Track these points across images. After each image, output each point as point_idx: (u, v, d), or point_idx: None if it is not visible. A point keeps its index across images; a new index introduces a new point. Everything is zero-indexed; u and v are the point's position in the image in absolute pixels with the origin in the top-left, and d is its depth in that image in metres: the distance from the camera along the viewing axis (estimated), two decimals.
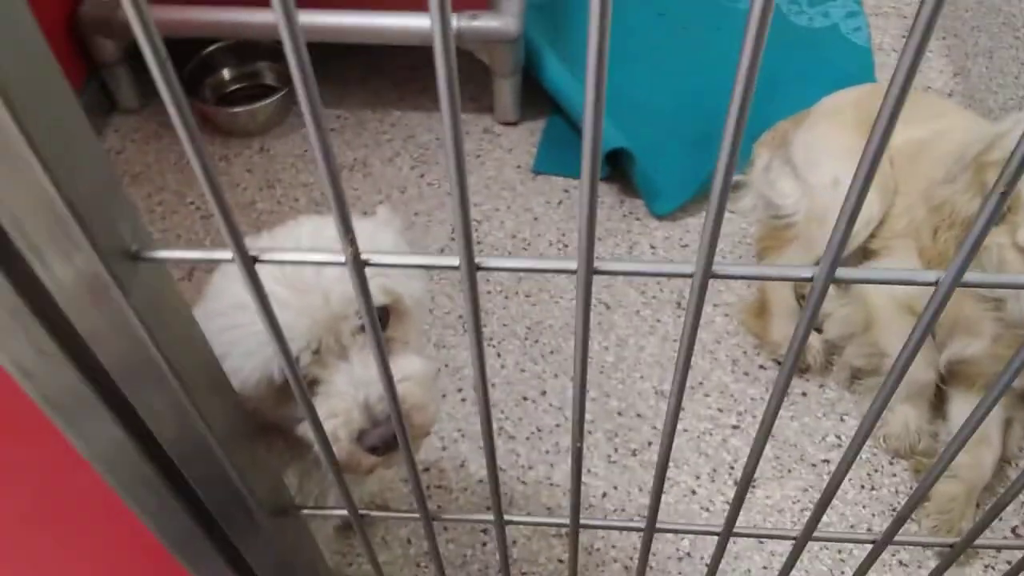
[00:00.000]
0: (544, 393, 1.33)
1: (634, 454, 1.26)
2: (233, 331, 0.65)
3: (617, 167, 1.60)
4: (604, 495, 1.22)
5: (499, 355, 1.38)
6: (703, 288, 0.46)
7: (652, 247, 1.53)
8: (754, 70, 0.36)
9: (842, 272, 0.44)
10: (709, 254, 0.44)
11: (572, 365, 1.37)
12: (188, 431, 0.56)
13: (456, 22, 1.53)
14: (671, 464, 1.25)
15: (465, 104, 1.75)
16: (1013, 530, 1.17)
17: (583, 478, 1.23)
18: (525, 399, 1.32)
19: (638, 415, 1.30)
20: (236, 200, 1.59)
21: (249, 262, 0.46)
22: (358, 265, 0.46)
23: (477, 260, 0.47)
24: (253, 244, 0.47)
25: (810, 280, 0.45)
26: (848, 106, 1.39)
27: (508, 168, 1.65)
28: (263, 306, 0.49)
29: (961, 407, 1.24)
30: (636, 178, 1.57)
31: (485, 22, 1.53)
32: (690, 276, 0.45)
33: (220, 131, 1.69)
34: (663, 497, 1.20)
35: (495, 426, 1.29)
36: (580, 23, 1.85)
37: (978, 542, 0.65)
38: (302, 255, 0.48)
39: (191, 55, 1.69)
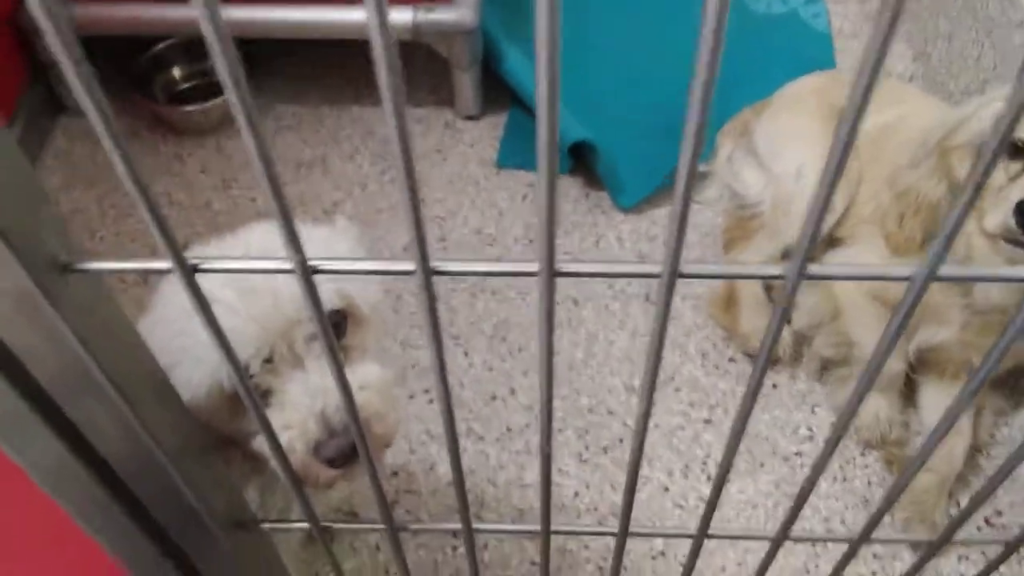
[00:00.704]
0: (513, 392, 1.31)
1: (605, 451, 1.24)
2: (180, 339, 0.62)
3: (581, 160, 1.58)
4: (576, 494, 1.20)
5: (466, 354, 1.35)
6: (670, 288, 0.44)
7: (619, 239, 1.51)
8: (715, 64, 0.34)
9: (814, 268, 0.43)
10: (676, 253, 0.42)
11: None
12: (134, 446, 0.54)
13: (412, 15, 1.50)
14: (643, 462, 1.23)
15: (425, 98, 1.72)
16: (986, 520, 1.17)
17: (554, 479, 1.21)
18: (494, 398, 1.30)
19: (609, 412, 1.28)
20: (192, 201, 1.55)
21: (189, 271, 0.43)
22: (306, 272, 0.43)
23: (434, 264, 0.44)
24: (200, 252, 0.44)
25: (781, 278, 0.43)
26: (809, 93, 1.38)
27: (471, 163, 1.63)
28: (205, 315, 0.46)
29: (932, 395, 1.24)
30: (600, 171, 1.55)
31: (441, 14, 1.50)
32: (657, 276, 0.43)
33: (173, 130, 1.64)
34: (636, 496, 1.19)
35: (463, 427, 1.27)
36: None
37: (954, 539, 0.65)
38: (247, 263, 0.46)
39: (141, 52, 1.64)
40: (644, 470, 1.22)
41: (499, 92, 1.68)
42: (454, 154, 1.64)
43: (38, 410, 0.50)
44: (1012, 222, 0.94)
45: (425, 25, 1.50)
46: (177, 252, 0.42)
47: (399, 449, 1.23)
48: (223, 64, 0.35)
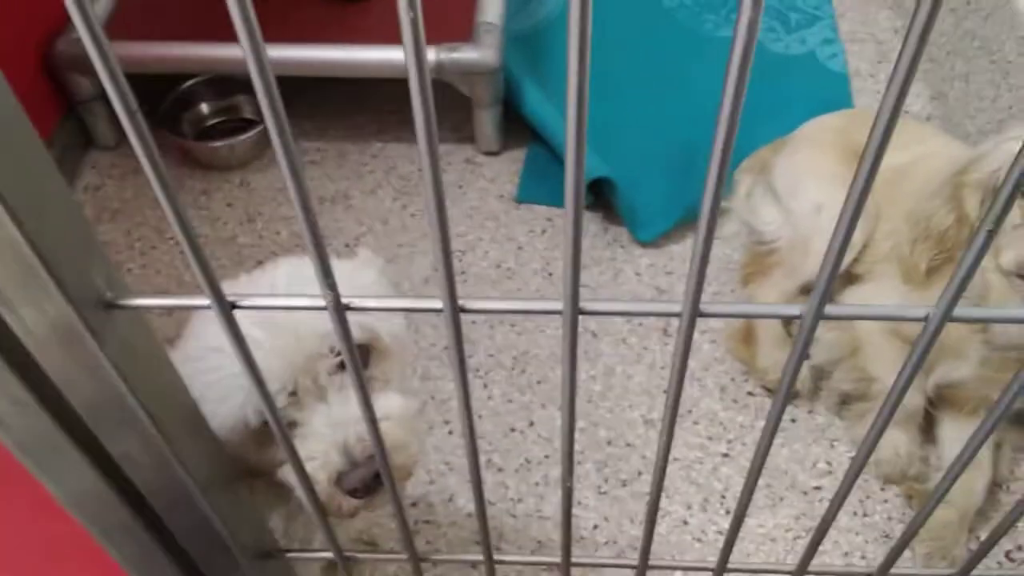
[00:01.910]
0: (532, 424, 1.31)
1: (624, 484, 1.25)
2: (208, 375, 0.64)
3: (600, 196, 1.60)
4: (595, 527, 1.20)
5: (485, 386, 1.36)
6: (691, 327, 0.46)
7: (637, 274, 1.52)
8: (738, 105, 0.36)
9: (831, 309, 0.44)
10: (696, 293, 0.43)
11: (560, 395, 1.36)
12: (167, 477, 0.55)
13: (436, 55, 1.53)
14: (662, 494, 1.23)
15: (446, 135, 1.75)
16: (1007, 554, 1.16)
17: (573, 511, 1.21)
18: (513, 430, 1.31)
19: (627, 444, 1.29)
20: (217, 235, 1.58)
21: (227, 308, 0.45)
22: (339, 310, 0.45)
23: (461, 302, 0.46)
24: (231, 289, 0.46)
25: (799, 318, 0.44)
26: (827, 132, 1.40)
27: (491, 198, 1.65)
28: (242, 352, 0.48)
29: (951, 431, 1.24)
30: (619, 206, 1.57)
31: (465, 54, 1.53)
32: (677, 315, 0.45)
33: (200, 165, 1.68)
34: (655, 528, 1.19)
35: (483, 458, 1.27)
36: (559, 54, 1.85)
37: (974, 573, 0.65)
38: (281, 300, 0.48)
39: (169, 90, 1.68)
40: (663, 503, 1.22)
41: (519, 128, 1.70)
42: (474, 189, 1.66)
43: (73, 439, 0.51)
44: None
45: (448, 64, 1.53)
46: (217, 289, 0.44)
47: (418, 480, 1.24)
48: (267, 108, 0.37)
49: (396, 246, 1.56)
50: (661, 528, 1.20)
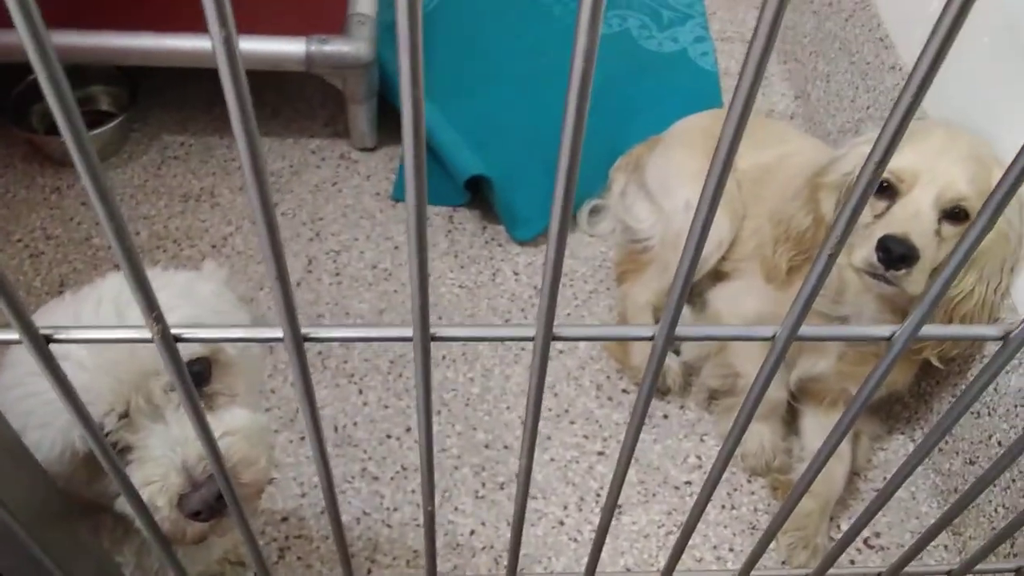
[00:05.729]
0: (409, 430, 1.29)
1: (502, 487, 1.24)
2: (28, 400, 0.59)
3: (478, 193, 1.59)
4: (472, 532, 1.19)
5: (361, 391, 1.33)
6: (545, 351, 0.45)
7: (515, 272, 1.52)
8: (582, 118, 0.35)
9: (681, 330, 0.44)
10: (548, 318, 0.42)
11: (438, 399, 1.34)
12: None
13: (306, 47, 1.48)
14: (538, 495, 1.24)
15: (320, 130, 1.70)
16: (865, 541, 1.21)
17: (450, 516, 1.20)
18: (389, 437, 1.28)
19: (505, 447, 1.28)
20: (70, 236, 1.48)
21: (41, 343, 0.41)
22: (168, 341, 0.41)
23: (305, 331, 0.43)
24: (50, 313, 0.42)
25: (651, 339, 0.44)
26: (697, 131, 1.43)
27: (366, 196, 1.61)
28: (60, 386, 0.43)
29: (812, 422, 1.28)
30: (496, 204, 1.56)
31: (336, 47, 1.49)
32: (531, 340, 0.44)
33: (51, 161, 1.57)
34: (531, 530, 1.19)
35: (357, 467, 1.24)
36: (436, 47, 1.83)
37: (831, 572, 0.67)
38: (103, 332, 0.44)
39: (18, 80, 1.56)
40: (539, 504, 1.22)
41: (395, 124, 1.67)
42: (349, 186, 1.62)
43: None
44: (875, 258, 0.98)
45: (319, 57, 1.48)
46: (27, 323, 0.40)
47: (290, 493, 1.20)
48: (52, 96, 0.33)
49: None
50: (537, 530, 1.20)
